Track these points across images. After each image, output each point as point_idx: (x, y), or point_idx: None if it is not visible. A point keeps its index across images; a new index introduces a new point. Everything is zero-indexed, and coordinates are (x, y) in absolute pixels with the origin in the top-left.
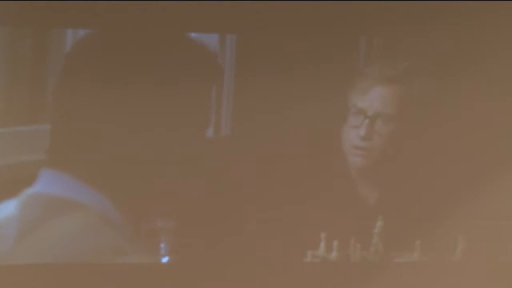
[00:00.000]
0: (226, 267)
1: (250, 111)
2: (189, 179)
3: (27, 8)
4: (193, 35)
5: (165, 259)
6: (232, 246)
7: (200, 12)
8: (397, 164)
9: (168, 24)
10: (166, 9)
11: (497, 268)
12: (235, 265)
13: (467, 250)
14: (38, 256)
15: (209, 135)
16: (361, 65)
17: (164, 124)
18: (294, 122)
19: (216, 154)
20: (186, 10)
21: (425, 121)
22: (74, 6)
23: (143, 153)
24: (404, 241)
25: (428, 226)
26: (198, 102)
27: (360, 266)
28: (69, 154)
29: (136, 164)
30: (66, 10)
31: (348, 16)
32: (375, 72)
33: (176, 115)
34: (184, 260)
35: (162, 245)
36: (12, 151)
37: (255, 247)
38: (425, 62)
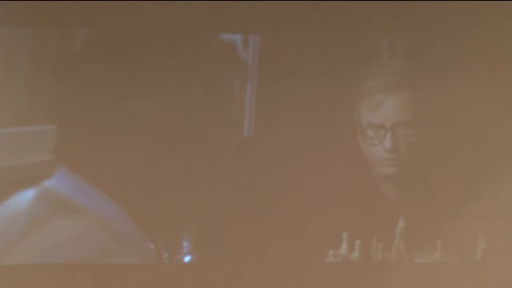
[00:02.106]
0: (248, 266)
1: (273, 112)
2: (211, 179)
3: (31, 8)
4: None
5: (187, 258)
6: (253, 245)
7: (223, 12)
8: (418, 164)
9: (192, 24)
10: (190, 10)
11: None
12: (256, 264)
13: (487, 250)
14: (37, 256)
15: (232, 135)
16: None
17: (181, 126)
18: (317, 122)
19: (239, 154)
20: (210, 11)
21: (444, 121)
22: (81, 6)
23: (157, 156)
24: (425, 241)
25: (449, 226)
26: (218, 102)
27: (381, 266)
28: (79, 156)
29: (149, 167)
30: (73, 10)
31: (372, 16)
32: (380, 83)
33: (194, 117)
34: (205, 259)
35: (184, 244)
36: (17, 152)
37: (277, 246)
38: (424, 61)
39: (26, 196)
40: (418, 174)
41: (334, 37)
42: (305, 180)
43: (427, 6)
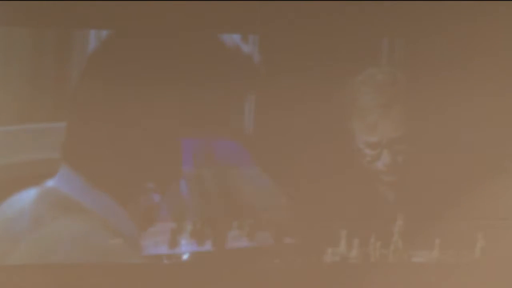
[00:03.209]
0: (246, 264)
1: (272, 110)
2: (210, 178)
3: (50, 9)
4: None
5: (185, 256)
6: (252, 243)
7: (223, 13)
8: (416, 164)
9: (191, 25)
10: (188, 11)
11: None
12: (255, 262)
13: (485, 249)
14: (39, 256)
15: (232, 135)
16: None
17: (182, 126)
18: (315, 121)
19: (239, 153)
20: (210, 11)
21: (442, 122)
22: (97, 8)
23: (157, 155)
24: (423, 239)
25: (447, 225)
26: (219, 102)
27: (379, 264)
28: (83, 155)
29: (149, 166)
30: (89, 11)
31: (370, 18)
32: (372, 102)
33: (196, 118)
34: (203, 258)
35: (183, 242)
36: (18, 150)
37: (276, 244)
38: (421, 64)
39: (29, 195)
40: (416, 174)
41: (334, 37)
42: (304, 178)
43: (427, 7)
